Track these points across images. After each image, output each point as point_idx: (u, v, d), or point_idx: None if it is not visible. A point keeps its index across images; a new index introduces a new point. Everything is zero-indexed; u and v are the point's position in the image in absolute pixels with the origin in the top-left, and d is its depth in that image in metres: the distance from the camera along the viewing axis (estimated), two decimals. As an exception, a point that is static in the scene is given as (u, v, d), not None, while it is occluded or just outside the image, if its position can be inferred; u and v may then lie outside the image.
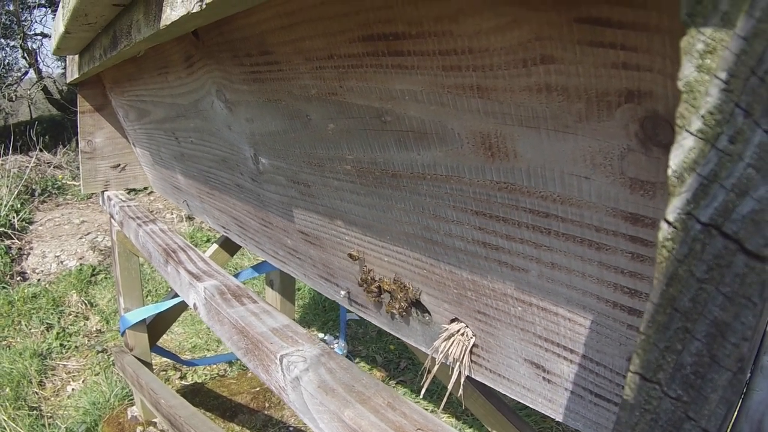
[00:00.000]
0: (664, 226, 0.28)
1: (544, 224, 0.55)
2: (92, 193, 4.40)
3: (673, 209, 0.27)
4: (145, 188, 2.35)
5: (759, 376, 0.84)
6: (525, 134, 0.52)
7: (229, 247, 2.66)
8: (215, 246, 2.64)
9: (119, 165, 2.71)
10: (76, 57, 2.18)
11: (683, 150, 0.27)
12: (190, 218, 6.15)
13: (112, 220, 2.57)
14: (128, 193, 2.76)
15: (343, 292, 1.03)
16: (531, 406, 0.71)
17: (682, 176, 0.27)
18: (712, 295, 0.27)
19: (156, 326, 2.75)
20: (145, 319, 2.62)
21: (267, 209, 1.23)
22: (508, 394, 0.74)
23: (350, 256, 0.91)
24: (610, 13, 0.41)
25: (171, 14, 0.78)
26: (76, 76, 2.24)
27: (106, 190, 2.68)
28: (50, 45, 2.04)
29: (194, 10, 0.68)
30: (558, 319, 0.60)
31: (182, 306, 2.65)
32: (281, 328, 1.04)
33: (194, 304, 1.34)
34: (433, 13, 0.54)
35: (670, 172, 0.27)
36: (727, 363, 0.27)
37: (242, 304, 1.16)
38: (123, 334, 2.69)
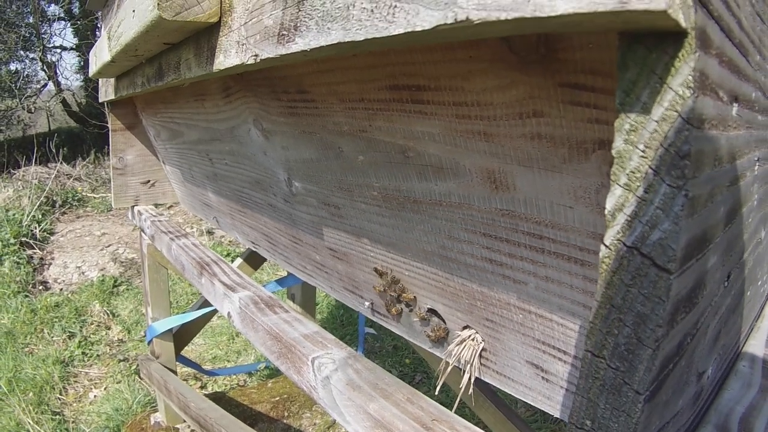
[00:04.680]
0: (603, 248, 0.40)
1: (539, 244, 0.67)
2: (111, 207, 4.56)
3: (609, 236, 0.40)
4: (165, 203, 2.49)
5: (733, 378, 0.95)
6: (522, 172, 0.64)
7: (252, 262, 2.78)
8: (239, 260, 2.76)
9: (149, 181, 2.86)
10: (113, 80, 2.30)
11: (614, 197, 0.39)
12: (210, 233, 6.28)
13: (143, 234, 2.71)
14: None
15: (367, 303, 1.13)
16: (532, 403, 0.79)
17: (614, 215, 0.39)
18: (635, 295, 0.39)
19: (181, 336, 2.86)
20: (171, 328, 2.74)
21: (298, 227, 1.34)
22: (512, 394, 0.83)
23: (375, 270, 1.03)
24: (585, 80, 0.53)
25: (225, 61, 0.89)
26: (112, 97, 2.36)
27: (136, 205, 2.82)
28: (90, 68, 2.15)
29: (248, 62, 0.80)
30: (552, 325, 0.70)
31: (207, 317, 2.76)
32: (312, 334, 1.16)
33: (228, 313, 1.46)
34: (449, 71, 0.66)
35: (606, 212, 0.39)
36: (648, 342, 0.39)
37: (275, 312, 1.27)
38: (150, 342, 2.81)
